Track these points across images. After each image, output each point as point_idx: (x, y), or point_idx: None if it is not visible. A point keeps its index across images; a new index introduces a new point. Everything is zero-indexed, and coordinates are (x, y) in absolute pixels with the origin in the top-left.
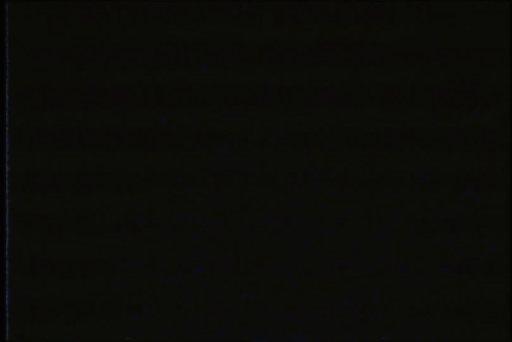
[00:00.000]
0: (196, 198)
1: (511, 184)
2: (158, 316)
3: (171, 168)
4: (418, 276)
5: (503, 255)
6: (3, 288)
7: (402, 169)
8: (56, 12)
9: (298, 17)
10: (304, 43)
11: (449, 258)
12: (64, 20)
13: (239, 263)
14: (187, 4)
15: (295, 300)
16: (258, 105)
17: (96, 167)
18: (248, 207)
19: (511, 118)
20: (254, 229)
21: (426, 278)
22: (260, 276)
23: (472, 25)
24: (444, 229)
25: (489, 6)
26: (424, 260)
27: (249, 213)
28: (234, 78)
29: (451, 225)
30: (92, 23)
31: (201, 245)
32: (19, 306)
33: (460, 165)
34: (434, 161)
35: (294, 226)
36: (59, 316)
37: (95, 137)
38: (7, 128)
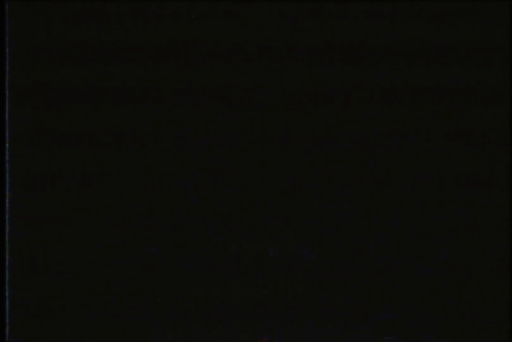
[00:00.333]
0: (196, 198)
1: (511, 184)
2: (158, 316)
3: (171, 169)
4: (418, 276)
5: (503, 255)
6: (3, 288)
7: (402, 170)
8: (56, 12)
9: (299, 17)
10: (304, 43)
11: (449, 258)
12: (64, 20)
13: (239, 263)
14: (187, 4)
15: (295, 300)
16: (258, 105)
17: (96, 167)
18: (248, 207)
19: (511, 118)
20: (254, 229)
21: (426, 278)
22: (260, 276)
23: (472, 25)
24: (444, 229)
25: (489, 6)
26: (424, 260)
27: (249, 213)
28: (234, 78)
29: (451, 225)
30: (92, 23)
31: (201, 245)
32: (19, 306)
33: (460, 165)
34: (434, 161)
35: (294, 225)
36: (59, 316)
37: (95, 137)
38: (7, 129)
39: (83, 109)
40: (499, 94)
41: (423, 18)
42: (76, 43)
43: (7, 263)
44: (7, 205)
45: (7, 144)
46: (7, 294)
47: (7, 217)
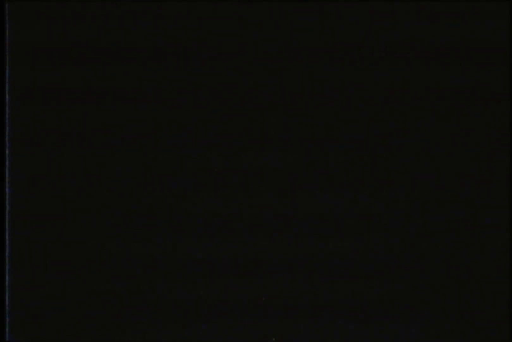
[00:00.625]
0: (196, 198)
1: (511, 184)
2: (158, 317)
3: (171, 169)
4: (418, 276)
5: (503, 255)
6: (3, 288)
7: (402, 170)
8: (56, 12)
9: (299, 17)
10: (303, 44)
11: (449, 258)
12: (64, 20)
13: (239, 263)
14: (187, 4)
15: (295, 300)
16: (259, 105)
17: (96, 167)
18: (249, 207)
19: (511, 118)
20: (254, 229)
21: (426, 278)
22: (260, 276)
23: (472, 25)
24: (444, 229)
25: (489, 6)
26: (424, 260)
27: (249, 213)
28: (234, 78)
29: (451, 225)
30: (92, 23)
31: (201, 245)
32: (19, 306)
33: (460, 165)
34: (434, 161)
35: (294, 226)
36: (59, 316)
37: (95, 137)
38: (7, 129)
39: (83, 109)
40: (499, 94)
41: (423, 18)
42: (76, 43)
43: (7, 263)
44: (7, 205)
45: (7, 144)
46: (7, 294)
47: (7, 216)
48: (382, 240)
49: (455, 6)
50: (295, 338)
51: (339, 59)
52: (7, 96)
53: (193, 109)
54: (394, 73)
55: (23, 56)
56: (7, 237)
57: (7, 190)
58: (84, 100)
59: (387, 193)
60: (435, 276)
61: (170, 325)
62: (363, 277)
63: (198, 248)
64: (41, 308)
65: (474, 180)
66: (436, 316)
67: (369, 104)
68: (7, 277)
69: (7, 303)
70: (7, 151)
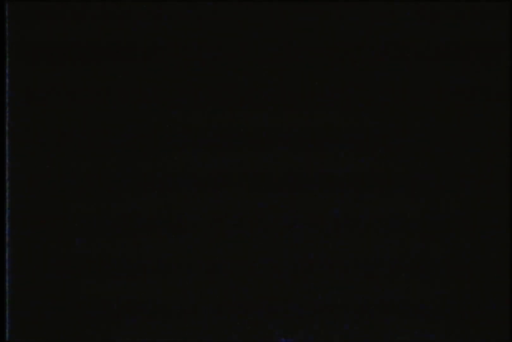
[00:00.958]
0: (197, 198)
1: (511, 183)
2: (158, 317)
3: (171, 169)
4: (418, 276)
5: (503, 255)
6: (3, 288)
7: (402, 170)
8: (56, 12)
9: (299, 17)
10: (303, 43)
11: (449, 258)
12: (64, 20)
13: (239, 263)
14: (187, 4)
15: (295, 300)
16: (259, 105)
17: (96, 167)
18: (249, 207)
19: (511, 118)
20: (254, 229)
21: (426, 278)
22: (260, 276)
23: (472, 25)
24: (444, 229)
25: (489, 6)
26: (424, 260)
27: (249, 213)
28: (234, 78)
29: (451, 225)
30: (92, 23)
31: (201, 245)
32: (19, 306)
33: (460, 165)
34: (435, 161)
35: (294, 226)
36: (59, 316)
37: (96, 137)
38: (7, 129)
39: (83, 109)
40: (499, 94)
41: (423, 18)
42: (76, 43)
43: (7, 263)
44: (7, 205)
45: (7, 144)
46: (7, 294)
47: (7, 216)
48: (382, 240)
49: (455, 6)
50: (295, 338)
51: (339, 59)
52: (7, 96)
53: (193, 109)
54: (394, 73)
55: (23, 56)
56: (7, 237)
57: (7, 190)
58: (84, 100)
59: (387, 193)
60: (435, 276)
61: (170, 325)
62: (363, 277)
63: (198, 248)
64: (41, 308)
65: (474, 180)
66: (436, 316)
67: (369, 104)
68: (7, 277)
69: (7, 303)
70: (7, 151)
